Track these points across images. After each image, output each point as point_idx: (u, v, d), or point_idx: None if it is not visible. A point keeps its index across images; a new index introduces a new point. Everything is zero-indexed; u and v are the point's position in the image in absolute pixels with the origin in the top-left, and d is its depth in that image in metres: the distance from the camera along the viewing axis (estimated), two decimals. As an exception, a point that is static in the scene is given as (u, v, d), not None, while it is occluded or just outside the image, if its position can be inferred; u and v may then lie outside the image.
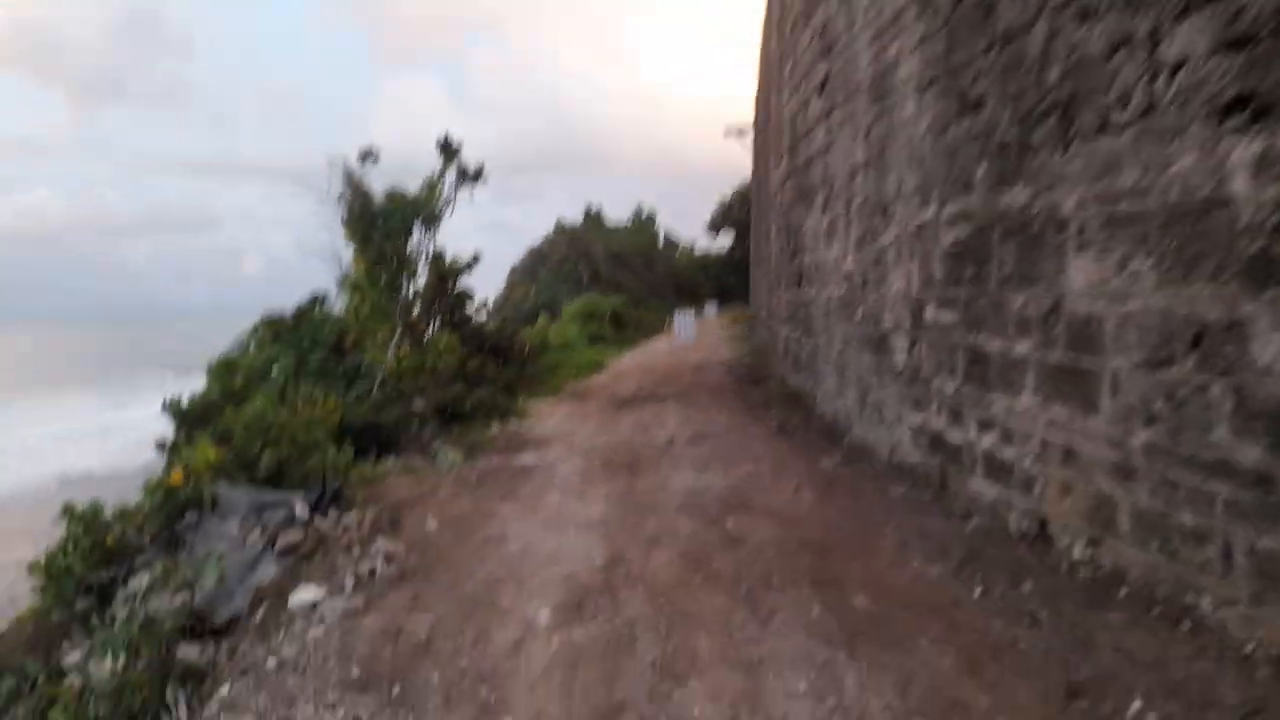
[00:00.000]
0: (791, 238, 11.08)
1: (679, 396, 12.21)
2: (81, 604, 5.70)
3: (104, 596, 5.85)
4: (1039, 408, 4.62)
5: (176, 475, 6.45)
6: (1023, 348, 4.76)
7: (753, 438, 8.59)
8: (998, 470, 5.05)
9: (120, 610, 5.22)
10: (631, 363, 19.03)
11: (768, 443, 8.24)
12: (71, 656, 5.00)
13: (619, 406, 11.60)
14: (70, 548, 6.00)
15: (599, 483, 6.91)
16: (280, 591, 4.67)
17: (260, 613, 4.60)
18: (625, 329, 27.88)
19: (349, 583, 4.67)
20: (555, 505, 6.24)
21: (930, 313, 5.97)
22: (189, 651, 4.47)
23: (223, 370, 9.62)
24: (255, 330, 10.86)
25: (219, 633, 4.68)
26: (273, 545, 5.37)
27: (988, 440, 5.16)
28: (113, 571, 5.90)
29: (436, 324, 13.32)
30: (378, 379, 9.85)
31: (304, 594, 4.50)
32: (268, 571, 5.05)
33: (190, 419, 8.75)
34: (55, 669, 5.03)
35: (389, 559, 5.07)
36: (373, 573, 4.85)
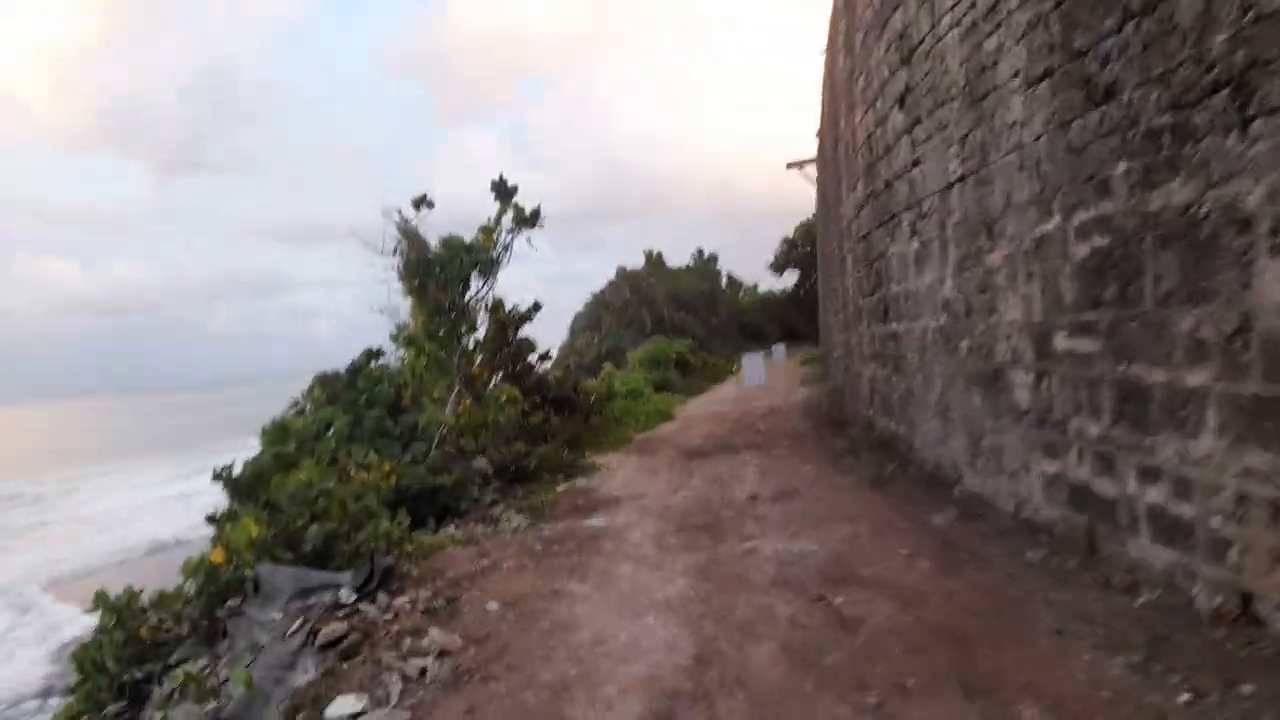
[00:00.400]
0: (872, 268, 10.24)
1: (755, 445, 11.37)
2: (113, 707, 5.15)
3: (136, 697, 5.29)
4: (1227, 452, 3.70)
5: (217, 554, 5.91)
6: (1198, 378, 3.86)
7: (844, 491, 7.71)
8: (1171, 531, 4.10)
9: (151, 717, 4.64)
10: (701, 409, 18.23)
11: (862, 497, 7.34)
12: (93, 775, 4.42)
13: (691, 458, 10.81)
14: (104, 640, 5.50)
15: (676, 551, 6.13)
16: (317, 700, 3.99)
17: (295, 725, 3.93)
18: (692, 374, 27.10)
19: (395, 689, 3.97)
20: (629, 580, 5.48)
21: (1061, 341, 5.08)
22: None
23: (276, 434, 9.18)
24: (310, 391, 10.44)
25: (251, 748, 4.04)
26: (315, 638, 4.72)
27: (1154, 493, 4.22)
28: (148, 668, 5.35)
29: (498, 377, 12.77)
30: (436, 438, 9.27)
31: (341, 706, 3.81)
32: (306, 672, 4.39)
33: (242, 488, 8.28)
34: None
35: (442, 655, 4.36)
36: (423, 673, 4.14)
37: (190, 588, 5.80)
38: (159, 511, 30.91)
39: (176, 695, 4.36)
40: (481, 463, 9.31)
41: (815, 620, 4.34)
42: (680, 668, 3.91)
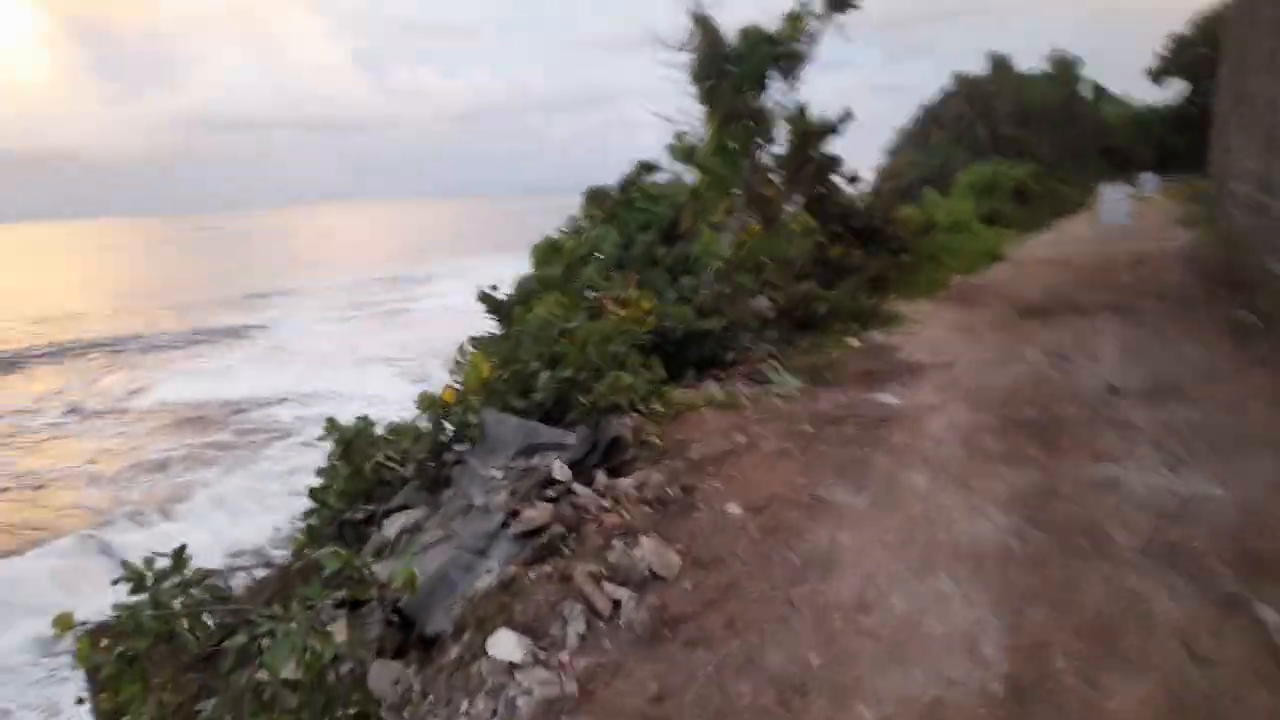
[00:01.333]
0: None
1: (1115, 308, 8.76)
2: (328, 548, 4.89)
3: (357, 537, 5.00)
4: None
5: (448, 393, 5.36)
6: None
7: (1257, 394, 5.38)
8: None
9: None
10: (1041, 251, 15.13)
11: (1293, 408, 5.03)
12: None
13: (1023, 318, 8.60)
14: (330, 473, 5.24)
15: (994, 461, 4.49)
16: (483, 622, 3.15)
17: (462, 642, 3.16)
18: (1033, 206, 23.02)
19: (574, 630, 3.01)
20: (921, 499, 4.02)
21: None
22: (380, 677, 3.22)
23: (544, 253, 8.53)
24: (585, 207, 9.60)
25: (429, 644, 3.40)
26: (514, 519, 3.93)
27: None
28: (369, 508, 5.01)
29: (794, 202, 11.09)
30: (709, 270, 8.06)
31: (502, 646, 2.91)
32: (491, 570, 3.60)
33: (506, 312, 7.80)
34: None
35: (648, 582, 3.33)
36: (616, 609, 3.15)
37: (424, 423, 5.32)
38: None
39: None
40: (761, 303, 8.01)
41: (1232, 648, 2.64)
42: (984, 696, 2.50)
